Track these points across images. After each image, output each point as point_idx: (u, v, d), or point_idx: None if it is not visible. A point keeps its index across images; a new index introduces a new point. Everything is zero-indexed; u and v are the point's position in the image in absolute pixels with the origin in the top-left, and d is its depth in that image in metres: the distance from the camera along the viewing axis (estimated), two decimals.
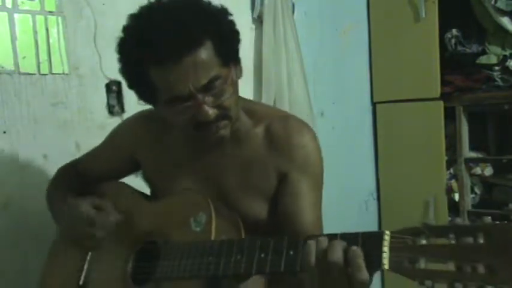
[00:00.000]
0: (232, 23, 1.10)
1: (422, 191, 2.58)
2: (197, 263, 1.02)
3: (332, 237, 0.88)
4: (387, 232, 0.83)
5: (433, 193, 2.55)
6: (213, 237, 1.04)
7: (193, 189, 1.18)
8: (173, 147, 1.23)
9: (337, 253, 0.84)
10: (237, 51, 1.12)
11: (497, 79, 2.40)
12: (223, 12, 1.09)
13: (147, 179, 1.32)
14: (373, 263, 0.83)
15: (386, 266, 0.81)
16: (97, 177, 1.36)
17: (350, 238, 0.86)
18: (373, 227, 2.82)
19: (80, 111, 1.76)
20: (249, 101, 1.24)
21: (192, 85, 1.01)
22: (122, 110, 1.82)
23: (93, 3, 1.77)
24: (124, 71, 1.09)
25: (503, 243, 0.74)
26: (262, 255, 0.93)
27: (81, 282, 1.24)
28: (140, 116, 1.31)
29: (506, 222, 0.76)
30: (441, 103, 2.49)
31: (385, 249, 0.82)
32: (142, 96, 1.13)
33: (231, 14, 1.10)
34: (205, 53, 1.02)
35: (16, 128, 1.63)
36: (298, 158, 1.14)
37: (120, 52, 1.08)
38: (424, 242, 0.80)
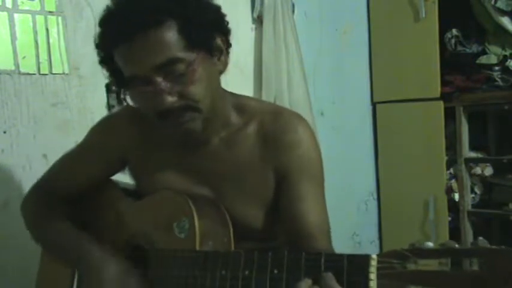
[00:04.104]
0: (208, 8, 1.02)
1: (422, 191, 2.58)
2: (184, 276, 0.99)
3: (317, 259, 0.83)
4: (373, 256, 0.77)
5: (433, 193, 2.55)
6: (197, 245, 1.01)
7: (174, 190, 1.11)
8: (162, 148, 1.16)
9: None
10: (210, 39, 1.02)
11: (497, 79, 2.40)
12: None
13: (134, 178, 1.24)
14: None
15: None
16: (81, 188, 1.25)
17: (334, 261, 0.81)
18: (373, 227, 2.82)
19: (80, 111, 1.76)
20: (241, 96, 1.17)
21: (148, 65, 0.95)
22: None
23: (93, 3, 1.77)
24: (98, 57, 1.07)
25: (500, 272, 0.67)
26: (247, 272, 0.90)
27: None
28: (126, 114, 1.19)
29: (503, 247, 0.69)
30: (441, 103, 2.49)
31: (372, 276, 0.76)
32: (114, 81, 1.09)
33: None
34: (165, 32, 0.95)
35: (16, 128, 1.63)
36: (295, 157, 1.09)
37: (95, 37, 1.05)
38: (413, 267, 0.73)
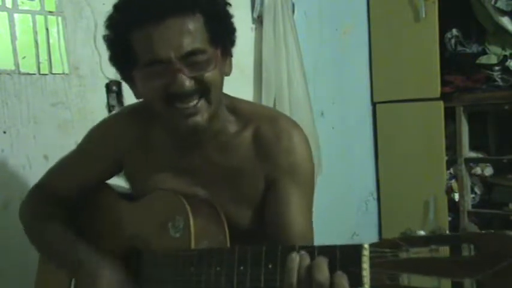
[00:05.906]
0: (228, 13, 1.06)
1: (422, 191, 2.59)
2: (179, 274, 0.99)
3: (310, 250, 0.83)
4: (366, 246, 0.78)
5: (433, 193, 2.55)
6: (192, 243, 1.00)
7: (169, 190, 1.11)
8: (157, 150, 1.16)
9: (323, 272, 0.80)
10: (227, 39, 1.06)
11: (497, 79, 2.41)
12: None
13: (129, 180, 1.25)
14: (352, 281, 0.78)
15: (367, 286, 0.76)
16: (79, 191, 1.25)
17: (328, 252, 0.82)
18: (373, 227, 2.82)
19: (80, 111, 1.76)
20: (234, 98, 1.17)
21: (173, 51, 0.96)
22: None
23: (93, 3, 1.77)
24: (107, 37, 1.04)
25: (490, 256, 0.68)
26: (242, 267, 0.90)
27: None
28: (123, 117, 1.21)
29: (491, 231, 0.71)
30: (441, 103, 2.50)
31: (365, 265, 0.77)
32: (119, 64, 1.06)
33: (229, 4, 1.06)
34: (193, 23, 0.97)
35: (16, 128, 1.63)
36: (286, 164, 1.08)
37: (107, 18, 1.03)
38: (405, 255, 0.74)
